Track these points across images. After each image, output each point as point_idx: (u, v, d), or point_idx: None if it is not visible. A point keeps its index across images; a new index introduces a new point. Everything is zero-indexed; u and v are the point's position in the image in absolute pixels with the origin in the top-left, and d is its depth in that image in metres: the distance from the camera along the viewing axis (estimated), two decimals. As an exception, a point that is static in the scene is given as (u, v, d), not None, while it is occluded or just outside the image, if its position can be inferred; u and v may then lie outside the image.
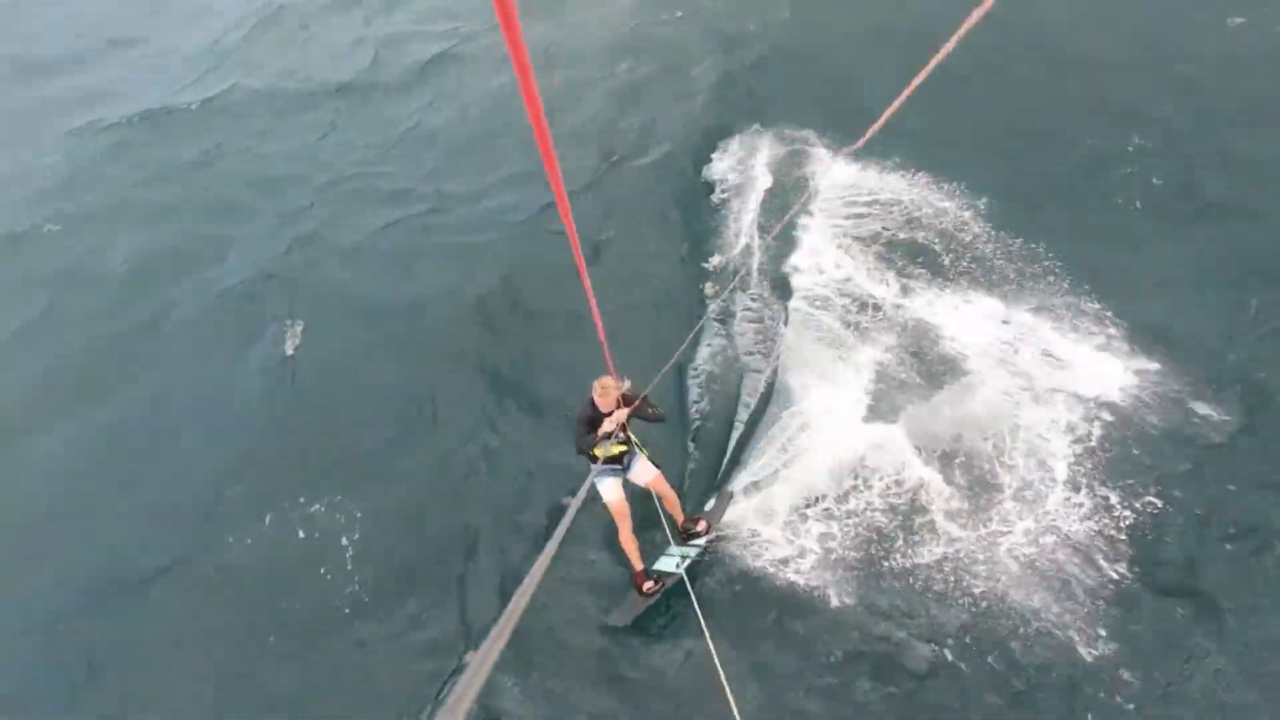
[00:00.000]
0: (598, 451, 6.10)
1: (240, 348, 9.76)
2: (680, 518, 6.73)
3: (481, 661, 2.07)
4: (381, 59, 15.03)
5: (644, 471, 6.43)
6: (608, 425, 5.90)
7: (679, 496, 6.74)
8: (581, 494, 4.10)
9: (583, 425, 6.03)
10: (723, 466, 7.45)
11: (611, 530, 6.54)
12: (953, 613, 6.12)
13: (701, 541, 6.71)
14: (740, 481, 7.24)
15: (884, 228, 9.17)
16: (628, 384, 6.11)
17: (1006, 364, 7.54)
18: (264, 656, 6.90)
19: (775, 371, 8.08)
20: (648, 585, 6.52)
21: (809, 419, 7.56)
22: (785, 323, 8.52)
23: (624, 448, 6.24)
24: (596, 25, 14.45)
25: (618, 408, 5.91)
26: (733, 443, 7.62)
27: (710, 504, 7.06)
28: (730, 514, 6.95)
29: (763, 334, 8.54)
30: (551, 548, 2.67)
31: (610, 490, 6.37)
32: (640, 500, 6.64)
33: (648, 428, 6.79)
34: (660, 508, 6.60)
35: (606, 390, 5.83)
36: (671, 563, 6.68)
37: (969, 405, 7.29)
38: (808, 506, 6.95)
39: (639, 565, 6.53)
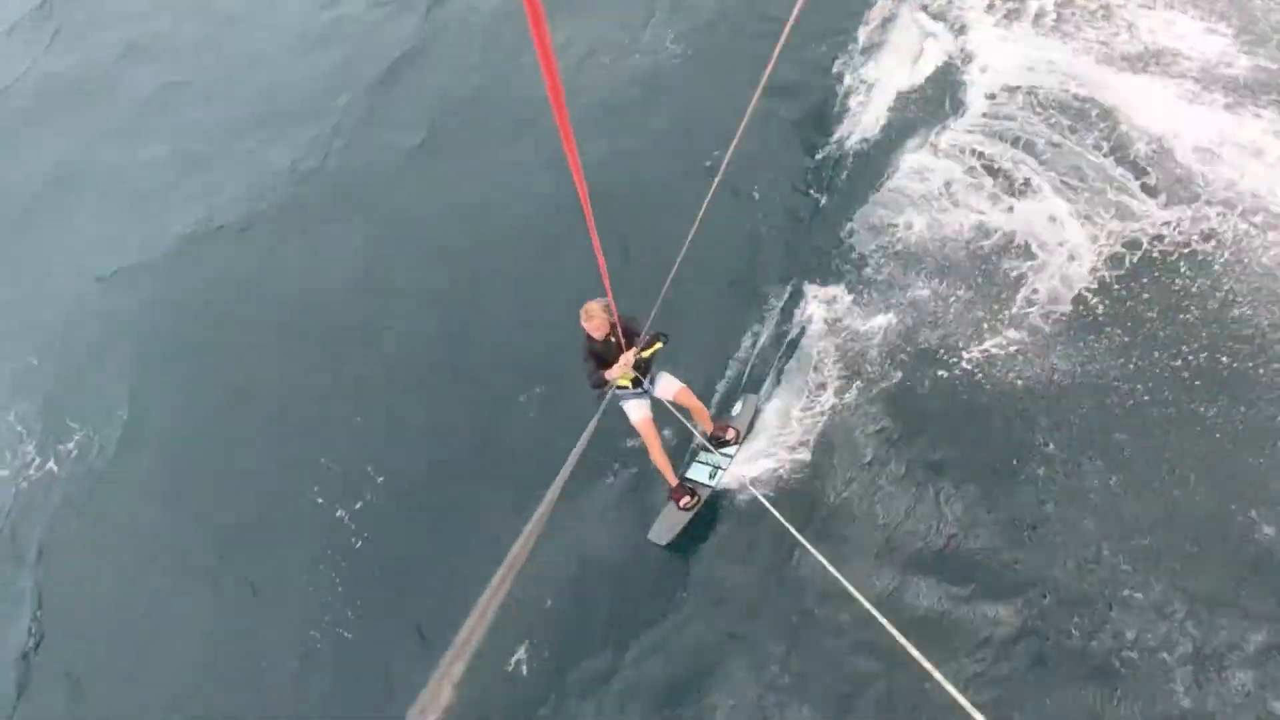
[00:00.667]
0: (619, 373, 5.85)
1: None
2: (709, 427, 6.68)
3: (481, 613, 2.05)
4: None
5: (668, 386, 6.31)
6: (615, 373, 5.66)
7: (708, 405, 6.68)
8: (585, 437, 4.01)
9: (590, 361, 5.78)
10: (746, 371, 7.33)
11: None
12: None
13: (733, 450, 6.68)
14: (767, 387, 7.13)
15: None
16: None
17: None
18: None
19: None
20: (685, 500, 6.54)
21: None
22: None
23: (636, 372, 6.00)
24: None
25: (614, 338, 5.66)
26: (757, 348, 7.47)
27: (737, 408, 6.97)
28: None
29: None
30: (552, 495, 2.65)
31: (635, 410, 6.26)
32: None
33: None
34: (688, 419, 6.55)
35: (591, 316, 5.52)
36: (705, 472, 6.69)
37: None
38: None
39: (673, 481, 6.53)
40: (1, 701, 7.41)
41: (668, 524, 6.57)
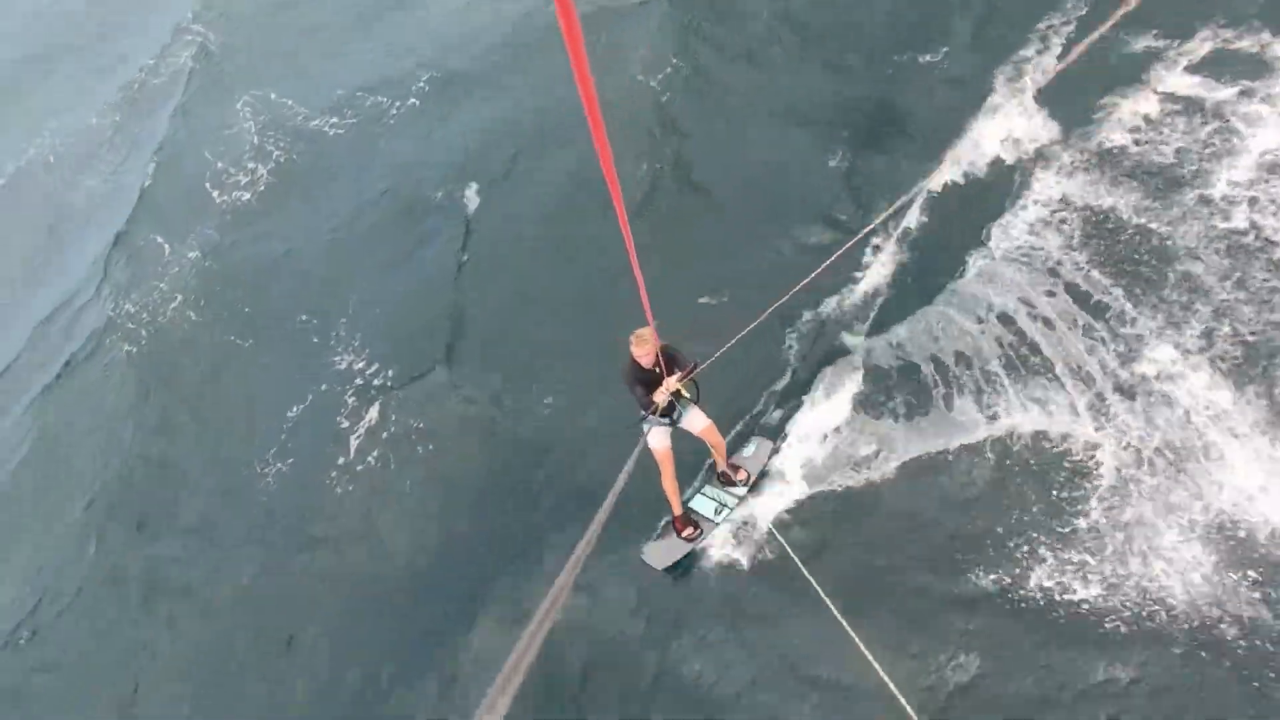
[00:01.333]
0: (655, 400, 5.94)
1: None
2: (723, 464, 6.69)
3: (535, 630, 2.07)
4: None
5: (695, 420, 6.33)
6: (659, 397, 5.76)
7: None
8: (630, 463, 4.07)
9: (636, 388, 5.86)
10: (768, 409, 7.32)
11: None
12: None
13: (741, 491, 6.68)
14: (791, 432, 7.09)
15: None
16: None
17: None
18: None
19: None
20: (688, 531, 6.56)
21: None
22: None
23: (672, 397, 6.01)
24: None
25: (659, 366, 5.74)
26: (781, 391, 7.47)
27: (751, 449, 6.98)
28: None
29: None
30: (597, 527, 2.68)
31: (657, 438, 6.30)
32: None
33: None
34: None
35: (642, 341, 5.61)
36: (710, 507, 6.69)
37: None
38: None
39: (678, 510, 6.55)
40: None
41: (665, 549, 6.57)
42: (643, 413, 6.05)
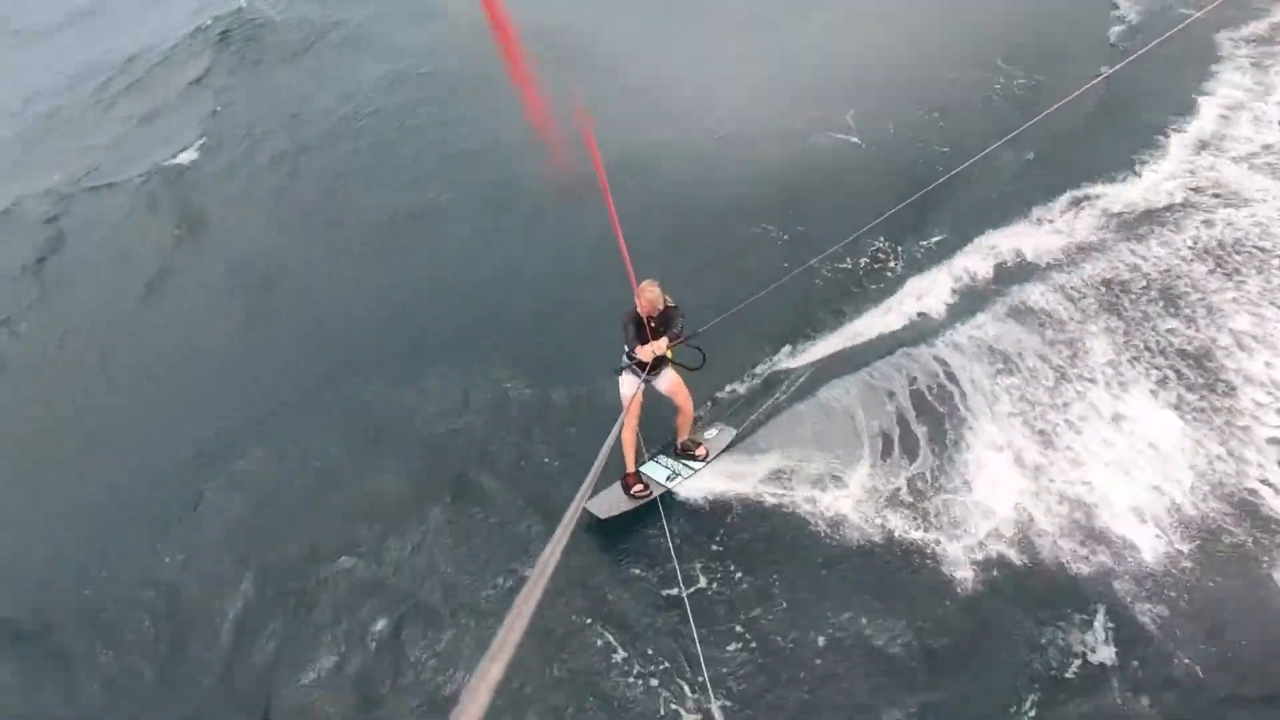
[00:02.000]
0: (637, 354, 6.16)
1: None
2: (684, 435, 6.92)
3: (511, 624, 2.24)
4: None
5: (669, 381, 6.55)
6: (643, 354, 6.04)
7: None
8: (609, 442, 4.20)
9: (629, 328, 6.13)
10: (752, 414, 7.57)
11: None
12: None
13: (697, 466, 6.93)
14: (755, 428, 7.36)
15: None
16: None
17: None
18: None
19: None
20: (637, 488, 6.73)
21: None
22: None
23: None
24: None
25: (654, 321, 6.03)
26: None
27: (715, 432, 7.26)
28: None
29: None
30: (580, 499, 2.84)
31: (628, 384, 6.52)
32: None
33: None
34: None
35: (643, 292, 5.92)
36: (663, 474, 6.95)
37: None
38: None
39: (631, 466, 6.71)
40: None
41: (611, 501, 6.74)
42: (624, 360, 6.35)
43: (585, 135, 5.27)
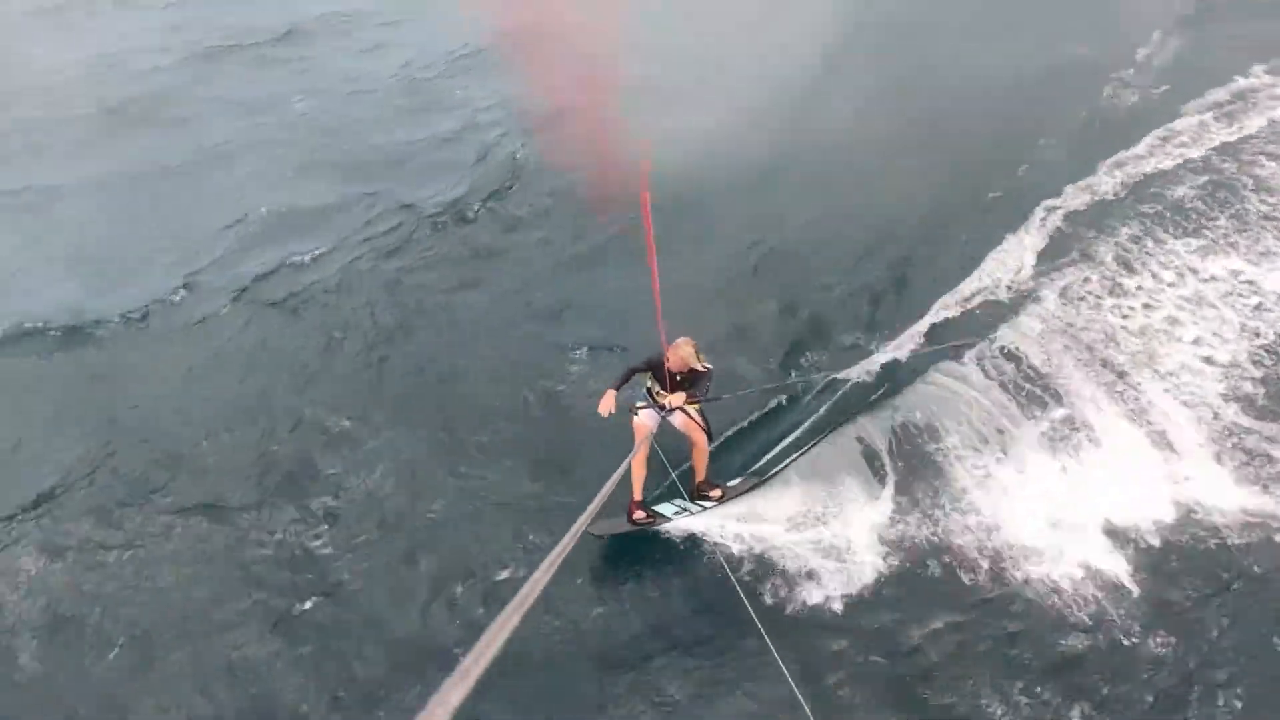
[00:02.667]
0: (656, 397, 6.25)
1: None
2: (701, 474, 6.67)
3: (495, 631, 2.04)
4: None
5: (681, 417, 6.36)
6: (665, 399, 6.10)
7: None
8: (613, 480, 4.20)
9: (643, 370, 6.18)
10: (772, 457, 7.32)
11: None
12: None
13: (709, 505, 6.68)
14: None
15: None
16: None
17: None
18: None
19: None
20: (639, 514, 6.54)
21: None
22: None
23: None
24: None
25: (681, 389, 6.02)
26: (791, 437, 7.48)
27: (736, 481, 6.97)
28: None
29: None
30: (575, 532, 2.66)
31: (645, 419, 6.38)
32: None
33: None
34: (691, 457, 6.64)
35: (675, 349, 5.91)
36: (671, 510, 6.70)
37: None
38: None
39: (638, 495, 6.53)
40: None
41: (612, 524, 6.57)
42: (644, 396, 6.34)
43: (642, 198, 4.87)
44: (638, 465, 6.42)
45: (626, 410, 6.35)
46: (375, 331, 9.17)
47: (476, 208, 11.29)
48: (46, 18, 19.96)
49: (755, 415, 7.75)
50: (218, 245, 10.85)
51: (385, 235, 10.88)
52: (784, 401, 7.90)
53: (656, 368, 6.10)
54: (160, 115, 14.72)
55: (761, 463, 7.22)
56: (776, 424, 7.71)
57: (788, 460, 7.11)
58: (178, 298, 9.87)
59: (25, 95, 15.64)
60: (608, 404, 6.05)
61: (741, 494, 6.77)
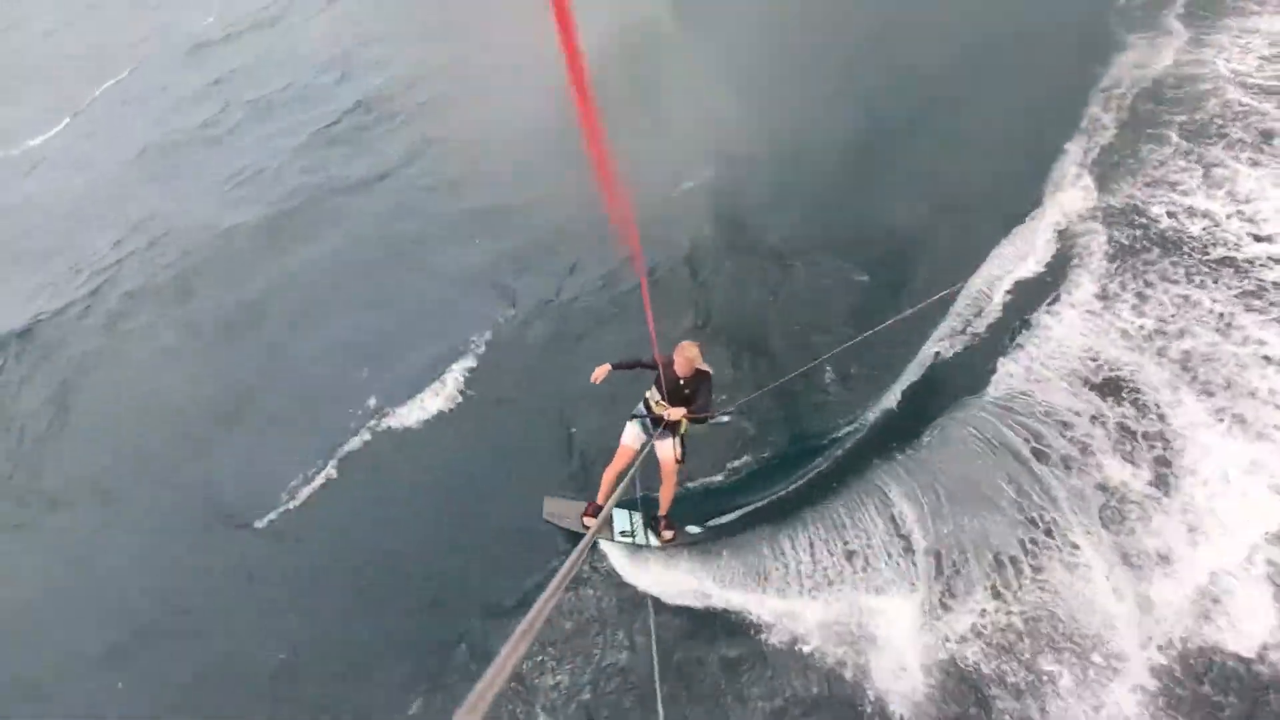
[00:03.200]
0: (654, 407, 6.03)
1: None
2: (664, 508, 6.54)
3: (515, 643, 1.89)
4: None
5: (666, 450, 6.20)
6: (665, 411, 5.84)
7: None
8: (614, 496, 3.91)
9: (650, 361, 5.85)
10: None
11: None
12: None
13: (655, 542, 6.57)
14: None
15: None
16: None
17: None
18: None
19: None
20: (588, 520, 6.49)
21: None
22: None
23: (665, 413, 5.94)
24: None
25: (682, 401, 5.82)
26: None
27: (695, 530, 6.83)
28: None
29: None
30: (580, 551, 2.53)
31: (630, 434, 6.28)
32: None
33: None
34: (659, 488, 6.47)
35: (683, 351, 5.66)
36: (623, 521, 6.59)
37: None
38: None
39: (601, 499, 6.42)
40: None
41: (563, 513, 6.56)
42: (641, 407, 6.16)
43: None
44: (608, 476, 6.33)
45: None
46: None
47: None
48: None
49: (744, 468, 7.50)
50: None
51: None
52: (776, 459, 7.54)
53: (664, 368, 5.85)
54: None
55: (728, 518, 7.05)
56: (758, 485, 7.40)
57: (747, 508, 7.01)
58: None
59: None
60: (599, 375, 5.86)
61: (685, 543, 6.67)
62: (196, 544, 7.78)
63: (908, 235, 9.11)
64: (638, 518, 6.65)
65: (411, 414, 8.43)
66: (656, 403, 6.00)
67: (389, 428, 8.36)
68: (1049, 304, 8.12)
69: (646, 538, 6.56)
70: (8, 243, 14.23)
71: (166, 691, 6.76)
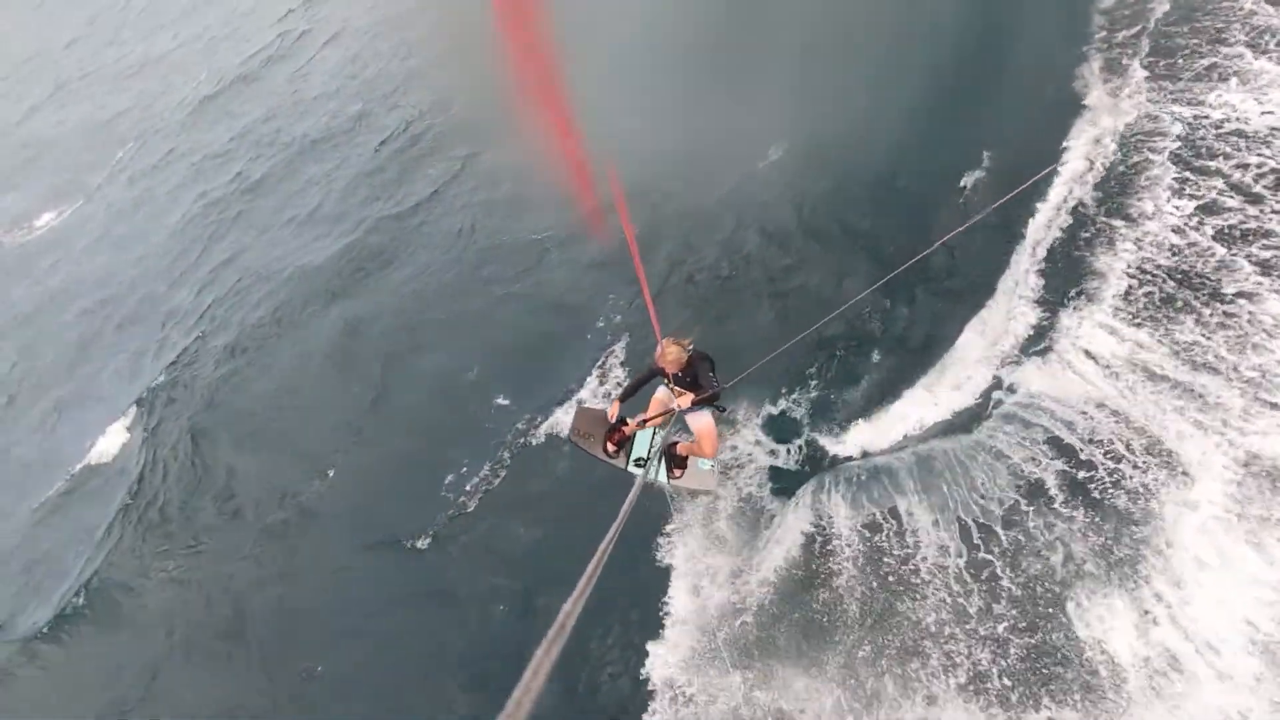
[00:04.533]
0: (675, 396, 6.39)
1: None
2: (685, 452, 7.06)
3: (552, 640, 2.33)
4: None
5: (700, 419, 6.53)
6: (680, 401, 6.15)
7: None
8: (630, 500, 4.32)
9: (646, 373, 6.51)
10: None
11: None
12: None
13: (666, 481, 7.01)
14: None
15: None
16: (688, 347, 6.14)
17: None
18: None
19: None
20: (612, 449, 7.05)
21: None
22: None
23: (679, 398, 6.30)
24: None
25: (687, 388, 6.19)
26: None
27: (707, 466, 7.14)
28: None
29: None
30: (602, 553, 3.06)
31: (661, 393, 6.73)
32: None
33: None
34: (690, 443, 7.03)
35: (663, 353, 5.98)
36: (642, 449, 7.04)
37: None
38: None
39: (631, 426, 6.90)
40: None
41: (588, 428, 7.07)
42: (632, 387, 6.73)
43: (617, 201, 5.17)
44: (648, 415, 6.72)
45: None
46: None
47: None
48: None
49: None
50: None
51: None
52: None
53: (660, 373, 6.27)
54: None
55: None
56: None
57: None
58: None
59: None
60: (613, 414, 6.58)
61: (697, 491, 7.31)
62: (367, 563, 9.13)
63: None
64: (658, 440, 6.92)
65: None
66: (676, 391, 6.33)
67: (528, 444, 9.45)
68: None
69: (660, 475, 6.98)
70: (67, 325, 15.19)
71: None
